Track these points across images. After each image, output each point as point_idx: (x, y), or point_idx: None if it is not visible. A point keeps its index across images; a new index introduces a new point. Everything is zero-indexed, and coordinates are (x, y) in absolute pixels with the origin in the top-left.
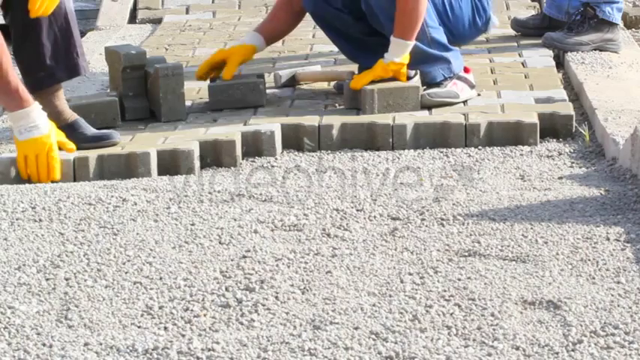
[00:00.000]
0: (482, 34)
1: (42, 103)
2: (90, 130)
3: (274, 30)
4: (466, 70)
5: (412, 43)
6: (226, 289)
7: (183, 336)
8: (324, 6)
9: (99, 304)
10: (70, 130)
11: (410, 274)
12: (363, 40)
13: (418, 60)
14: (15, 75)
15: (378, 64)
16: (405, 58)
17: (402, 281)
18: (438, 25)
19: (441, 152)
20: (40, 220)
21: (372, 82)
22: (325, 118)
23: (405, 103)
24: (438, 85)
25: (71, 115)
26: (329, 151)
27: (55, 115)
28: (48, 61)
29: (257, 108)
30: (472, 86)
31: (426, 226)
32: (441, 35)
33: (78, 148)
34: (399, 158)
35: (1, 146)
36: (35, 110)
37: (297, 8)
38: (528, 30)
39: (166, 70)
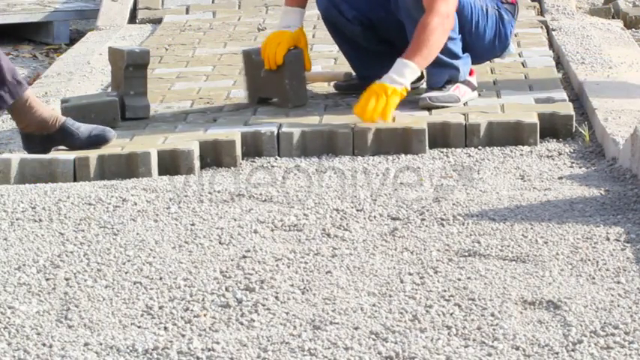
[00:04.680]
0: (495, 58)
1: (19, 118)
2: (82, 132)
3: None
4: (470, 72)
5: (419, 71)
6: (226, 289)
7: (183, 336)
8: (336, 14)
9: (99, 304)
10: (63, 134)
11: (410, 274)
12: (368, 49)
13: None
14: None
15: (384, 90)
16: (408, 82)
17: (402, 281)
18: (456, 36)
19: (441, 152)
20: (40, 220)
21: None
22: (327, 122)
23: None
24: (439, 87)
25: (57, 120)
26: (330, 153)
27: (40, 125)
28: None
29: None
30: (474, 88)
31: (426, 226)
32: (456, 46)
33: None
34: (399, 158)
35: (1, 146)
36: None
37: None
38: None
39: (291, 57)
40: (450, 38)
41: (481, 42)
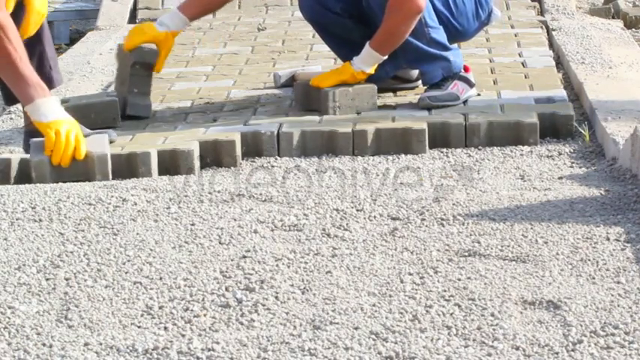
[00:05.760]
0: (485, 27)
1: None
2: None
3: (201, 12)
4: (466, 69)
5: (384, 58)
6: (226, 289)
7: (183, 336)
8: (323, 12)
9: (99, 304)
10: None
11: (410, 274)
12: (362, 44)
13: (417, 59)
14: (30, 65)
15: (347, 69)
16: (373, 69)
17: (402, 281)
18: (437, 25)
19: (441, 152)
20: (40, 220)
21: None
22: (326, 122)
23: (363, 104)
24: (438, 86)
25: None
26: (330, 153)
27: None
28: None
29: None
30: (472, 85)
31: (426, 226)
32: (440, 35)
33: None
34: (399, 158)
35: (1, 146)
36: (56, 99)
37: None
38: None
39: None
40: (430, 27)
41: (465, 17)
